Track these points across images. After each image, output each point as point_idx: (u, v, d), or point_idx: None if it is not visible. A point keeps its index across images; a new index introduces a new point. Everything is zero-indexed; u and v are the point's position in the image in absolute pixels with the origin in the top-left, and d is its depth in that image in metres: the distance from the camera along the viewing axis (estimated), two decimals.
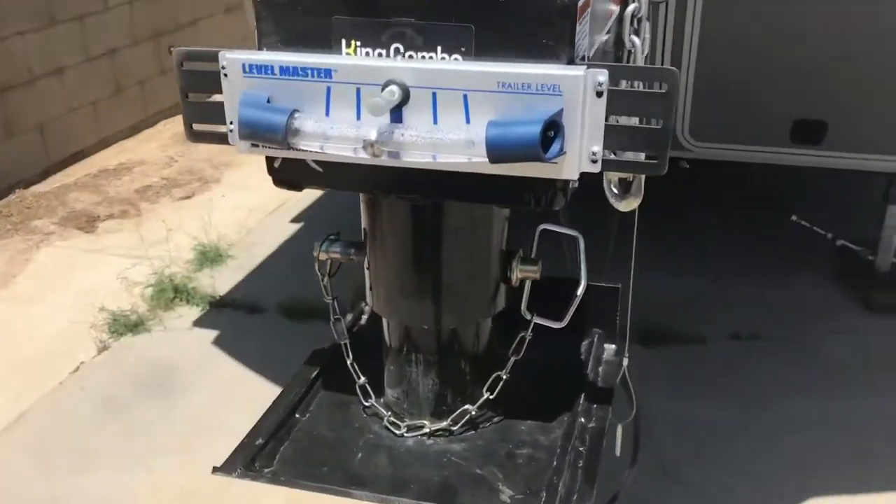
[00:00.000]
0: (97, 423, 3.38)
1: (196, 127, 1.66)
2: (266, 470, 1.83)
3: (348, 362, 1.99)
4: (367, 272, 1.91)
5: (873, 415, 3.32)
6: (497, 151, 1.36)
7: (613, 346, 2.20)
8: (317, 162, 1.57)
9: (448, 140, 1.38)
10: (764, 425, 3.23)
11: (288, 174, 1.66)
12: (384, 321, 1.94)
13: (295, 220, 5.15)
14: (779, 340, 3.80)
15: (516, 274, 1.83)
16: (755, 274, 4.29)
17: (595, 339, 2.21)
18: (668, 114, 1.40)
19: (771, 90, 3.69)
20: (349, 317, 2.31)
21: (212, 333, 3.94)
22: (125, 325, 3.98)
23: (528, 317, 1.84)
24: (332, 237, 1.98)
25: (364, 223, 1.85)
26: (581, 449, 1.81)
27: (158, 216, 5.20)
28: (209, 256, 4.58)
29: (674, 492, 2.94)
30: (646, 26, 1.54)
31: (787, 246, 4.50)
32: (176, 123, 6.96)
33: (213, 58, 1.53)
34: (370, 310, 2.18)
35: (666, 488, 2.95)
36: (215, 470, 1.83)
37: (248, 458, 1.83)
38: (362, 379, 1.98)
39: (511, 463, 1.83)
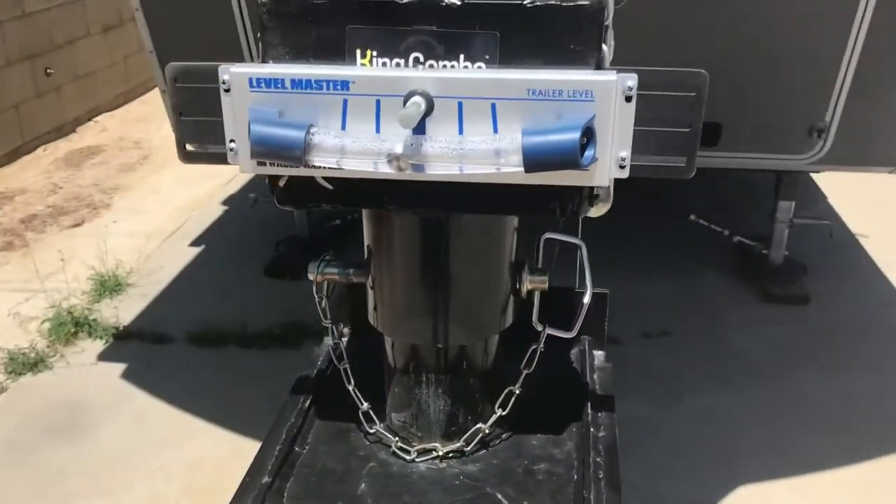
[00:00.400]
0: (2, 471, 3.17)
1: (190, 147, 1.57)
2: None
3: (350, 388, 1.92)
4: (370, 292, 1.84)
5: (783, 401, 3.48)
6: (534, 160, 1.31)
7: (602, 353, 2.23)
8: (326, 179, 1.49)
9: (479, 150, 1.33)
10: (682, 420, 3.33)
11: (294, 194, 1.56)
12: (388, 343, 1.87)
13: (195, 244, 5.00)
14: (688, 335, 3.94)
15: (526, 285, 1.80)
16: (660, 273, 4.43)
17: (586, 346, 2.22)
18: (698, 117, 1.40)
19: None
20: (329, 342, 2.25)
21: (119, 367, 3.77)
22: (24, 364, 3.75)
23: (540, 328, 1.82)
24: (327, 258, 1.87)
25: (368, 240, 1.78)
26: (598, 460, 1.81)
27: (48, 246, 4.94)
28: (108, 286, 4.38)
29: None
30: (611, 33, 1.54)
31: (687, 244, 4.67)
32: (57, 148, 6.65)
33: (212, 74, 1.44)
34: (350, 333, 2.14)
35: None
36: None
37: (259, 500, 1.73)
38: (365, 405, 1.91)
39: (531, 480, 1.80)
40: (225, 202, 5.62)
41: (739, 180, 5.48)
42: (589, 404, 1.98)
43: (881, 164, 3.92)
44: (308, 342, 3.88)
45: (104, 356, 3.87)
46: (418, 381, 1.85)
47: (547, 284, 1.81)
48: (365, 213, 1.75)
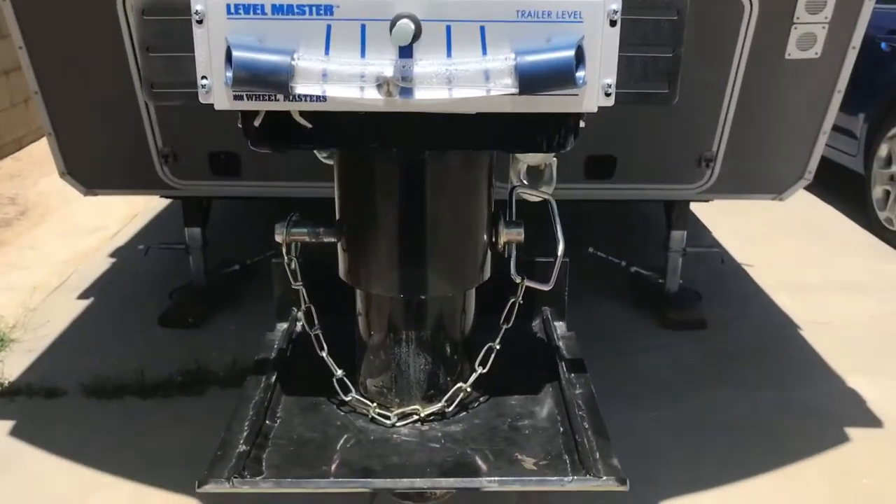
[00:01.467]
0: None
1: (158, 87, 1.48)
2: (259, 478, 1.64)
3: (323, 354, 1.84)
4: (342, 250, 1.77)
5: (694, 417, 3.57)
6: (530, 79, 1.30)
7: (564, 323, 2.21)
8: (305, 117, 1.43)
9: (471, 71, 1.30)
10: None
11: (270, 134, 1.50)
12: (362, 302, 1.79)
13: (83, 297, 4.75)
14: (596, 360, 3.95)
15: (502, 237, 1.76)
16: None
17: (548, 316, 2.20)
18: (679, 41, 1.41)
19: None
20: (283, 327, 2.14)
21: (6, 425, 3.50)
22: None
23: (518, 280, 1.78)
24: (294, 218, 1.80)
25: (340, 193, 1.71)
26: (581, 414, 1.80)
27: None
28: None
29: None
30: None
31: (586, 276, 4.76)
32: None
33: (184, 6, 1.36)
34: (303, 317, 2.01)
35: None
36: (200, 484, 1.60)
37: (237, 467, 1.62)
38: (340, 371, 1.83)
39: (518, 434, 1.78)
40: (112, 254, 5.39)
41: (635, 213, 5.68)
42: (562, 366, 1.98)
43: (766, 192, 4.14)
44: (213, 389, 3.74)
45: None
46: (397, 340, 1.78)
47: (522, 237, 1.79)
48: (338, 163, 1.69)
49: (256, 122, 1.47)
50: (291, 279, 1.84)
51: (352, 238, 1.76)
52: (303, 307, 1.89)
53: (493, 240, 1.80)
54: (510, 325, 1.84)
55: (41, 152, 5.42)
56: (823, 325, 4.43)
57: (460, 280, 1.80)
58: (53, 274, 5.04)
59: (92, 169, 4.04)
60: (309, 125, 1.46)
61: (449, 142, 1.53)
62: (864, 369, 3.96)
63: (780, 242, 5.67)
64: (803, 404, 3.67)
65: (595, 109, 1.45)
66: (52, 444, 3.35)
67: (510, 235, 1.80)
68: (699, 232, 5.68)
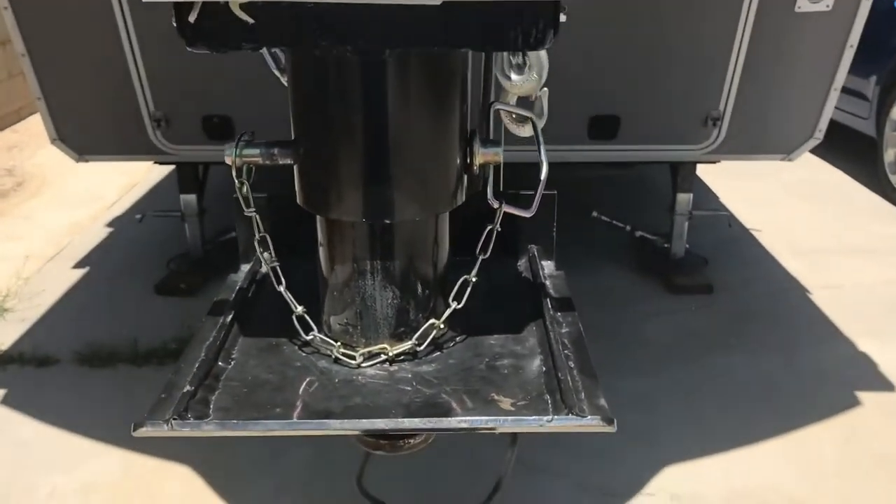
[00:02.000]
0: None
1: None
2: (203, 421, 1.50)
3: (281, 289, 1.70)
4: (298, 171, 1.63)
5: (700, 382, 3.47)
6: None
7: (552, 262, 2.10)
8: (246, 10, 1.28)
9: None
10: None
11: (208, 31, 1.35)
12: (323, 230, 1.65)
13: (79, 266, 4.67)
14: (600, 328, 3.89)
15: (478, 158, 1.62)
16: (566, 269, 4.39)
17: (535, 254, 2.07)
18: None
19: (566, 90, 3.82)
20: (243, 275, 2.01)
21: None
22: None
23: (496, 205, 1.63)
24: (245, 138, 1.65)
25: (294, 109, 1.57)
26: (567, 352, 1.65)
27: None
28: None
29: (533, 481, 2.89)
30: None
31: (591, 241, 4.67)
32: None
33: None
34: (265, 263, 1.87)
35: (528, 476, 2.89)
36: (136, 427, 1.49)
37: (180, 408, 1.49)
38: (300, 308, 1.69)
39: (496, 374, 1.63)
40: (109, 224, 5.30)
41: (639, 177, 5.57)
42: (547, 303, 1.83)
43: (774, 152, 4.02)
44: None
45: None
46: (361, 272, 1.64)
47: (501, 157, 1.65)
48: (290, 73, 1.55)
49: (191, 17, 1.31)
50: (244, 205, 1.71)
51: (308, 157, 1.62)
52: (257, 236, 1.75)
53: (469, 161, 1.64)
54: (487, 255, 1.70)
55: (39, 124, 5.34)
56: (833, 289, 4.33)
57: (429, 203, 1.63)
58: (49, 244, 4.96)
59: (83, 134, 3.95)
60: (250, 20, 1.31)
61: (412, 39, 1.37)
62: (875, 333, 3.86)
63: (789, 207, 5.55)
64: (813, 368, 3.58)
65: None
66: (43, 413, 3.28)
67: (487, 156, 1.64)
68: (706, 196, 5.56)
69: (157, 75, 3.71)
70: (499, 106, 1.64)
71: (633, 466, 2.95)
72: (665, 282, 4.36)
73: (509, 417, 1.52)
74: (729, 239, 4.90)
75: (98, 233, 5.16)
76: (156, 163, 4.32)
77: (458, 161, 1.63)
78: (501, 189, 1.79)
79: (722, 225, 4.78)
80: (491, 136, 1.69)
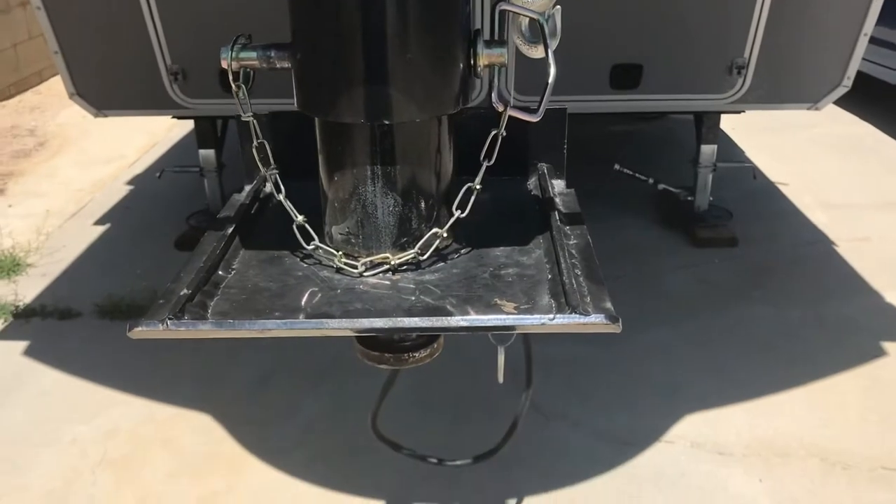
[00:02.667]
0: None
1: None
2: (200, 321, 1.50)
3: (281, 198, 1.68)
4: (296, 74, 1.59)
5: (722, 333, 3.43)
6: None
7: (563, 181, 2.06)
8: None
9: None
10: (624, 357, 3.23)
11: None
12: (322, 142, 1.62)
13: (99, 223, 4.69)
14: (623, 280, 3.86)
15: (482, 59, 1.57)
16: (588, 222, 4.34)
17: (544, 172, 2.04)
18: None
19: (588, 38, 3.74)
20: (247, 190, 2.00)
21: (21, 345, 3.46)
22: None
23: (501, 108, 1.59)
24: (242, 41, 1.61)
25: (292, 7, 1.54)
26: (573, 261, 1.62)
27: None
28: (5, 266, 4.05)
29: (553, 427, 2.87)
30: None
31: (613, 193, 4.61)
32: None
33: None
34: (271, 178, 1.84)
35: (543, 424, 2.88)
36: (131, 328, 1.48)
37: (176, 310, 1.48)
38: (301, 217, 1.67)
39: (500, 282, 1.60)
40: (130, 182, 5.32)
41: (662, 130, 5.48)
42: (555, 216, 1.80)
43: (801, 101, 3.92)
44: None
45: (3, 335, 3.55)
46: (361, 178, 1.60)
47: (506, 58, 1.59)
48: None
49: None
50: (241, 110, 1.68)
51: (305, 58, 1.58)
52: (255, 143, 1.71)
53: (473, 62, 1.59)
54: (492, 162, 1.66)
55: (61, 85, 5.34)
56: (860, 242, 4.24)
57: (430, 104, 1.57)
58: (70, 201, 4.98)
59: (101, 89, 3.93)
60: None
61: None
62: None
63: (816, 160, 5.44)
64: (838, 319, 3.52)
65: None
66: (65, 363, 3.31)
67: (492, 57, 1.58)
68: (731, 151, 5.46)
69: (174, 29, 3.67)
70: (504, 6, 1.56)
71: (651, 415, 2.93)
72: (689, 235, 4.30)
73: (510, 316, 1.49)
74: (754, 192, 4.82)
75: (119, 190, 5.17)
76: (173, 117, 4.31)
77: (461, 61, 1.57)
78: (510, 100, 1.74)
79: (747, 178, 4.69)
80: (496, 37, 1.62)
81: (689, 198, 4.40)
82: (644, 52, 3.79)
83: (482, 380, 2.86)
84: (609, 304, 1.49)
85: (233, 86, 1.64)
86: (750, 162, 5.21)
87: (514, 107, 1.60)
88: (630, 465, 2.70)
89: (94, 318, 3.66)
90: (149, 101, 3.96)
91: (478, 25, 1.70)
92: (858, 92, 3.75)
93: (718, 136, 4.27)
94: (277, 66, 1.60)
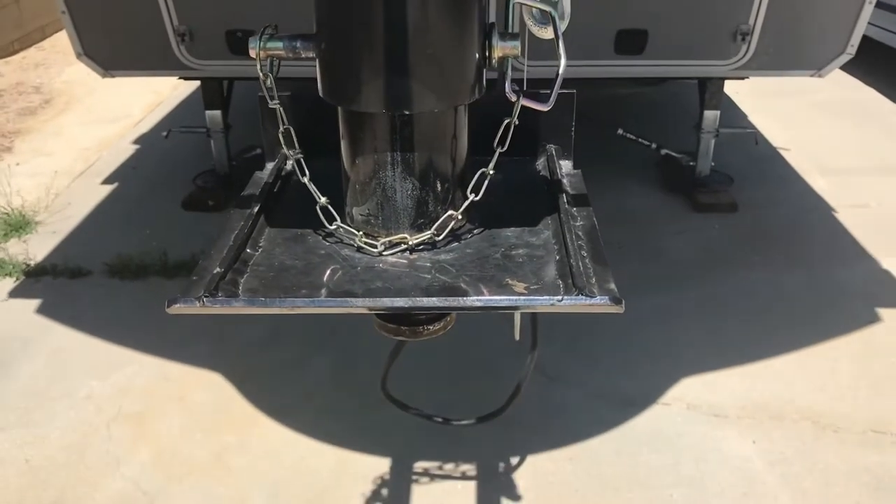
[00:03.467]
0: None
1: None
2: (234, 298, 1.59)
3: (305, 180, 1.76)
4: (320, 64, 1.68)
5: (721, 297, 3.50)
6: None
7: (570, 162, 2.13)
8: None
9: None
10: (623, 320, 3.29)
11: None
12: (345, 129, 1.71)
13: (107, 182, 4.74)
14: (623, 245, 3.92)
15: (497, 51, 1.65)
16: (590, 186, 4.39)
17: (553, 153, 2.12)
18: None
19: (593, 3, 3.75)
20: (269, 168, 2.08)
21: (33, 303, 3.54)
22: None
23: (514, 98, 1.66)
24: (269, 32, 1.69)
25: (318, 1, 1.62)
26: (580, 243, 1.72)
27: None
28: (14, 224, 4.11)
29: (554, 388, 2.96)
30: None
31: (615, 158, 4.66)
32: None
33: None
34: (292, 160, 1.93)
35: (546, 385, 2.96)
36: (170, 304, 1.56)
37: (210, 287, 1.57)
38: (323, 199, 1.76)
39: (511, 262, 1.70)
40: (136, 141, 5.36)
41: (665, 95, 5.50)
42: (562, 198, 1.89)
43: (805, 68, 3.95)
44: None
45: (16, 293, 3.63)
46: (381, 163, 1.69)
47: (518, 50, 1.67)
48: None
49: None
50: (268, 98, 1.75)
51: (329, 49, 1.65)
52: (281, 128, 1.79)
53: (488, 54, 1.67)
54: (504, 148, 1.73)
55: (65, 41, 5.36)
56: (859, 208, 4.30)
57: (448, 94, 1.66)
58: (78, 160, 5.03)
59: (109, 49, 3.96)
60: None
61: None
62: None
63: (819, 126, 5.48)
64: (835, 285, 3.59)
65: None
66: (77, 322, 3.39)
67: (505, 49, 1.66)
68: (734, 115, 5.49)
69: None
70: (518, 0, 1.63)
71: (650, 378, 3.01)
72: (690, 200, 4.35)
73: (522, 297, 1.58)
74: (756, 158, 4.86)
75: (126, 149, 5.22)
76: (181, 78, 4.33)
77: (477, 54, 1.64)
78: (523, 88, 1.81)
79: (749, 143, 4.73)
80: (510, 31, 1.69)
81: (691, 163, 4.45)
82: (648, 18, 3.80)
83: (487, 346, 2.96)
84: (613, 286, 1.57)
85: (260, 74, 1.70)
86: (753, 127, 5.25)
87: (526, 96, 1.66)
88: (628, 425, 2.79)
89: (105, 278, 3.73)
90: (156, 61, 3.99)
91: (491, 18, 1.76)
92: (863, 56, 3.77)
93: (722, 101, 4.30)
94: (303, 55, 1.66)
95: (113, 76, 4.04)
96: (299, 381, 3.03)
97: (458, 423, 2.49)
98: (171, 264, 3.77)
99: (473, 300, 1.58)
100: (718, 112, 4.30)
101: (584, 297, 1.54)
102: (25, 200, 4.38)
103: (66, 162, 4.99)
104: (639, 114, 5.33)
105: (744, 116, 5.57)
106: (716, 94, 4.29)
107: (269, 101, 1.74)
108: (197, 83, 4.52)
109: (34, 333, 3.34)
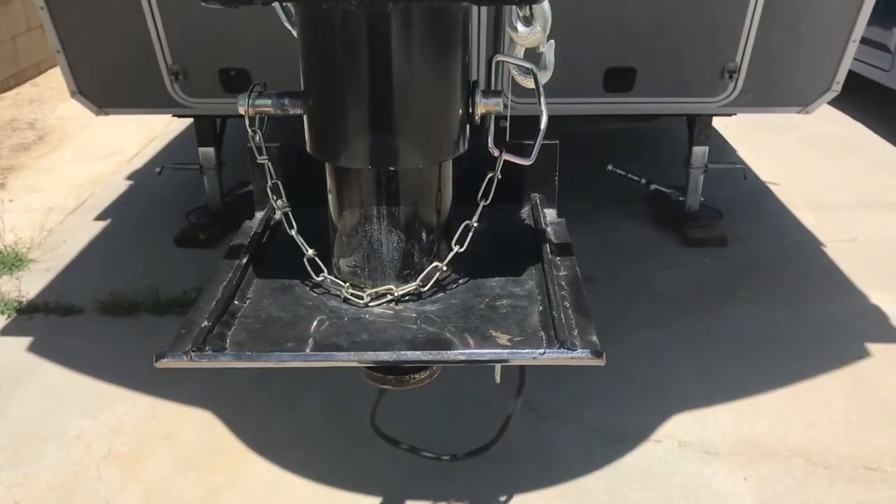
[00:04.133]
0: None
1: None
2: (221, 352, 1.60)
3: (293, 232, 1.79)
4: (307, 121, 1.71)
5: (711, 333, 3.52)
6: None
7: (554, 210, 2.15)
8: None
9: None
10: (618, 358, 3.32)
11: None
12: (332, 177, 1.74)
13: (100, 218, 4.75)
14: (614, 280, 3.94)
15: (479, 108, 1.69)
16: (578, 222, 4.40)
17: (537, 202, 2.15)
18: None
19: (582, 42, 3.80)
20: (258, 217, 2.10)
21: (24, 340, 3.54)
22: None
23: (496, 153, 1.70)
24: (258, 89, 1.72)
25: (303, 63, 1.65)
26: (563, 293, 1.74)
27: None
28: (7, 261, 4.12)
29: (545, 425, 2.96)
30: None
31: (606, 193, 4.69)
32: None
33: None
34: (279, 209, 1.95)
35: (538, 422, 2.96)
36: (158, 358, 1.57)
37: (198, 342, 1.58)
38: (311, 251, 1.78)
39: (495, 313, 1.72)
40: (129, 177, 5.38)
41: (655, 131, 5.56)
42: (546, 248, 1.92)
43: (792, 105, 4.00)
44: None
45: (8, 330, 3.62)
46: (368, 217, 1.72)
47: (501, 107, 1.71)
48: (299, 27, 1.62)
49: None
50: (256, 153, 1.78)
51: (316, 107, 1.68)
52: (269, 183, 1.83)
53: (471, 111, 1.72)
54: (488, 201, 1.76)
55: (59, 78, 5.39)
56: (848, 243, 4.33)
57: (433, 151, 1.70)
58: (70, 196, 5.04)
59: (103, 87, 3.99)
60: None
61: None
62: (889, 286, 3.87)
63: (806, 161, 5.53)
64: (824, 320, 3.61)
65: None
66: (68, 360, 3.38)
67: (488, 106, 1.71)
68: (723, 149, 5.55)
69: (175, 28, 3.73)
70: (500, 57, 1.68)
71: (641, 414, 3.01)
72: (680, 235, 4.38)
73: (505, 350, 1.60)
74: (745, 192, 4.90)
75: (119, 186, 5.24)
76: (174, 116, 4.37)
77: (460, 111, 1.68)
78: (505, 139, 1.85)
79: (738, 178, 4.77)
80: (493, 88, 1.74)
81: (681, 198, 4.49)
82: (638, 56, 3.86)
83: (476, 380, 2.96)
84: (595, 338, 1.60)
85: (248, 130, 1.74)
86: (741, 162, 5.30)
87: (509, 150, 1.70)
88: (619, 462, 2.79)
89: (97, 315, 3.73)
90: (149, 99, 4.03)
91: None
92: (848, 91, 3.82)
93: (710, 137, 4.35)
94: (290, 112, 1.69)
95: (106, 114, 4.08)
96: (290, 418, 3.03)
97: (447, 458, 2.49)
98: (162, 301, 3.78)
99: (457, 354, 1.61)
100: (707, 148, 4.35)
101: (565, 351, 1.56)
102: (18, 237, 4.38)
103: (59, 198, 5.01)
104: (629, 149, 5.39)
105: (733, 151, 5.63)
106: (704, 130, 4.34)
107: (257, 156, 1.77)
108: (190, 120, 4.56)
109: (25, 371, 3.33)
